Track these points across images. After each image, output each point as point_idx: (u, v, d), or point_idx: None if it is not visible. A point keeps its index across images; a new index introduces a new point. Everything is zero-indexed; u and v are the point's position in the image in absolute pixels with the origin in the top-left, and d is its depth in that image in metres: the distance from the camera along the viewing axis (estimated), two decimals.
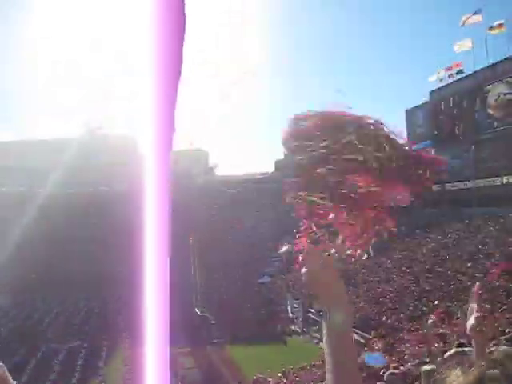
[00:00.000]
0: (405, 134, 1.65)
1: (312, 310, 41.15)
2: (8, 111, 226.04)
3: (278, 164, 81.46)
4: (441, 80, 59.48)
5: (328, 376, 1.47)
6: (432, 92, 60.80)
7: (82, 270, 57.21)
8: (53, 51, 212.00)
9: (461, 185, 54.87)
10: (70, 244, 61.67)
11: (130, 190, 71.09)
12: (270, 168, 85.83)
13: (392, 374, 5.26)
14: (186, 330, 39.53)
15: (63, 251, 60.45)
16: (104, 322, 44.72)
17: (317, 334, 37.71)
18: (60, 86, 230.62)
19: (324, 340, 1.51)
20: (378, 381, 6.18)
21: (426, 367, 4.60)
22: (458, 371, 1.46)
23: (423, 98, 63.32)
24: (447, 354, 4.72)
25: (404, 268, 40.92)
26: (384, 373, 6.42)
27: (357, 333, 28.25)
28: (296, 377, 24.68)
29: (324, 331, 1.52)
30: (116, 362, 34.83)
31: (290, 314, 42.85)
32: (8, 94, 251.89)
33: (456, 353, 4.56)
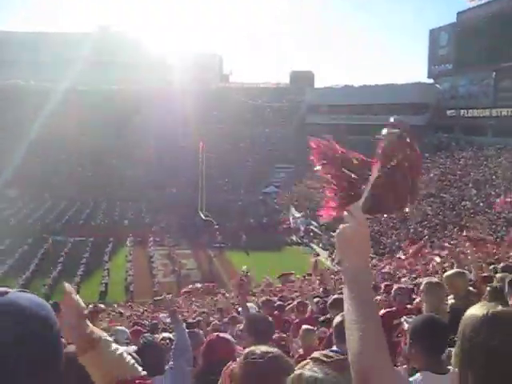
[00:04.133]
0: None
1: (313, 223, 41.81)
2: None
3: (293, 75, 79.80)
4: (471, 0, 56.21)
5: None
6: (460, 13, 57.97)
7: (92, 170, 57.63)
8: None
9: (476, 112, 53.76)
10: (80, 142, 61.22)
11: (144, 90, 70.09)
12: (284, 79, 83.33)
13: (401, 288, 5.47)
14: (190, 233, 40.59)
15: (73, 150, 60.24)
16: (110, 220, 45.90)
17: (315, 246, 38.60)
18: None
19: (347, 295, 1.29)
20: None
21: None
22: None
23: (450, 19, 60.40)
24: (448, 273, 4.87)
25: None
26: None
27: None
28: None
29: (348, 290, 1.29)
30: (119, 258, 36.16)
31: (292, 225, 43.53)
32: None
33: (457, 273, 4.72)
